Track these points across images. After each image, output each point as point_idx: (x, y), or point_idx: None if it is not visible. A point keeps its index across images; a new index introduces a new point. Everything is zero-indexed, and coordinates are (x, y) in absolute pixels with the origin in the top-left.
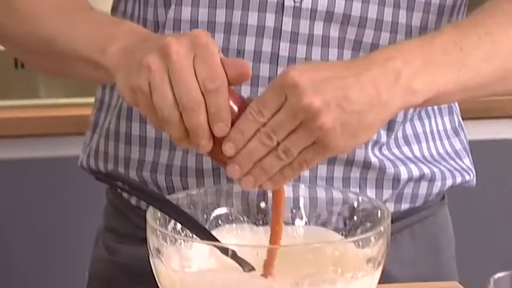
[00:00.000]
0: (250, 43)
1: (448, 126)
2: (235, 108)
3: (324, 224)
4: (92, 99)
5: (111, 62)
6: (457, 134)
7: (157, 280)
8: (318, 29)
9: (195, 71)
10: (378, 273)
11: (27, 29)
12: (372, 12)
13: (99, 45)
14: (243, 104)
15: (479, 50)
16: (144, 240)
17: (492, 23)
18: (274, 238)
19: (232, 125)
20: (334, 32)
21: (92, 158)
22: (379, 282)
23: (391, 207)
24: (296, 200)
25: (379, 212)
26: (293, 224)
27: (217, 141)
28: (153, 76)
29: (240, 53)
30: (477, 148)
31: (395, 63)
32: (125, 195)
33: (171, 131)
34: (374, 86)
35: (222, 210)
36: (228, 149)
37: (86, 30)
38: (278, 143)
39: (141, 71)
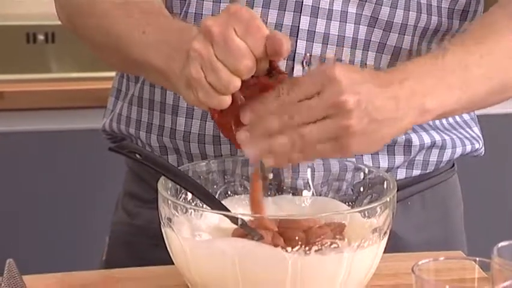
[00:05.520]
0: (272, 16)
1: None
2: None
3: (335, 193)
4: (102, 73)
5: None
6: None
7: (168, 249)
8: (337, 4)
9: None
10: (383, 243)
11: (94, 23)
12: None
13: (169, 59)
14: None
15: (482, 69)
16: None
17: (494, 42)
18: (256, 207)
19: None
20: (352, 7)
21: (115, 122)
22: (390, 247)
23: (402, 173)
24: (303, 171)
25: (385, 182)
26: (301, 194)
27: (231, 110)
28: (201, 58)
29: None
30: (485, 122)
31: (410, 82)
32: None
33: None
34: (395, 100)
35: (230, 182)
36: (244, 115)
37: (155, 38)
38: (295, 128)
39: (190, 59)
